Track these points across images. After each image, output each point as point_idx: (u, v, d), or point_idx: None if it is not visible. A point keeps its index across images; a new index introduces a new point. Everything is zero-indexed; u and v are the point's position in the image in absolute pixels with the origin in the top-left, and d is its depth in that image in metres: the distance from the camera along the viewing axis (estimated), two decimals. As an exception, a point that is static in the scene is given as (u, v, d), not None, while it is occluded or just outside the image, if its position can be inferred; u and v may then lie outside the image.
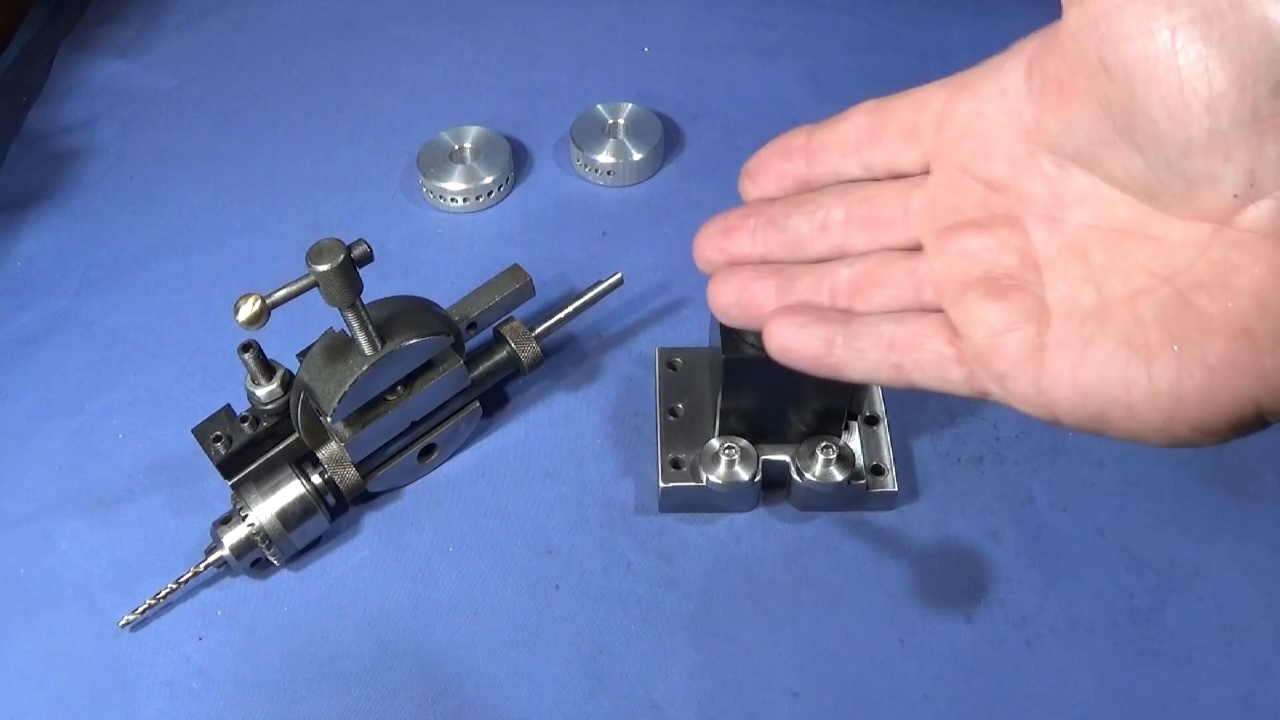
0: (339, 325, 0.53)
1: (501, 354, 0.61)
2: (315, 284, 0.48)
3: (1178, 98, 0.29)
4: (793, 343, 0.37)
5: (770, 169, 0.41)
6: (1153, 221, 0.32)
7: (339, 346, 0.53)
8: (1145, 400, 0.30)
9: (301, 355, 0.57)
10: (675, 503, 0.59)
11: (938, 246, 0.36)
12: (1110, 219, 0.33)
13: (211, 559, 0.55)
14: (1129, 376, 0.30)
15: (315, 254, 0.48)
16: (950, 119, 0.37)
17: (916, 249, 0.37)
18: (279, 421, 0.56)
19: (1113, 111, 0.31)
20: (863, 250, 0.38)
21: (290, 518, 0.55)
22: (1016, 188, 0.35)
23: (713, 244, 0.41)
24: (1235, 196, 0.29)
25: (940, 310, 0.36)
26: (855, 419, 0.59)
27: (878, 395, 0.61)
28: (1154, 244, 0.31)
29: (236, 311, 0.46)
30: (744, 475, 0.56)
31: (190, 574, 0.55)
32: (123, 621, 0.55)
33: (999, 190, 0.36)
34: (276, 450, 0.57)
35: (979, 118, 0.36)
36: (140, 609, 0.55)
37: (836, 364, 0.37)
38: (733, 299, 0.40)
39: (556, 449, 0.63)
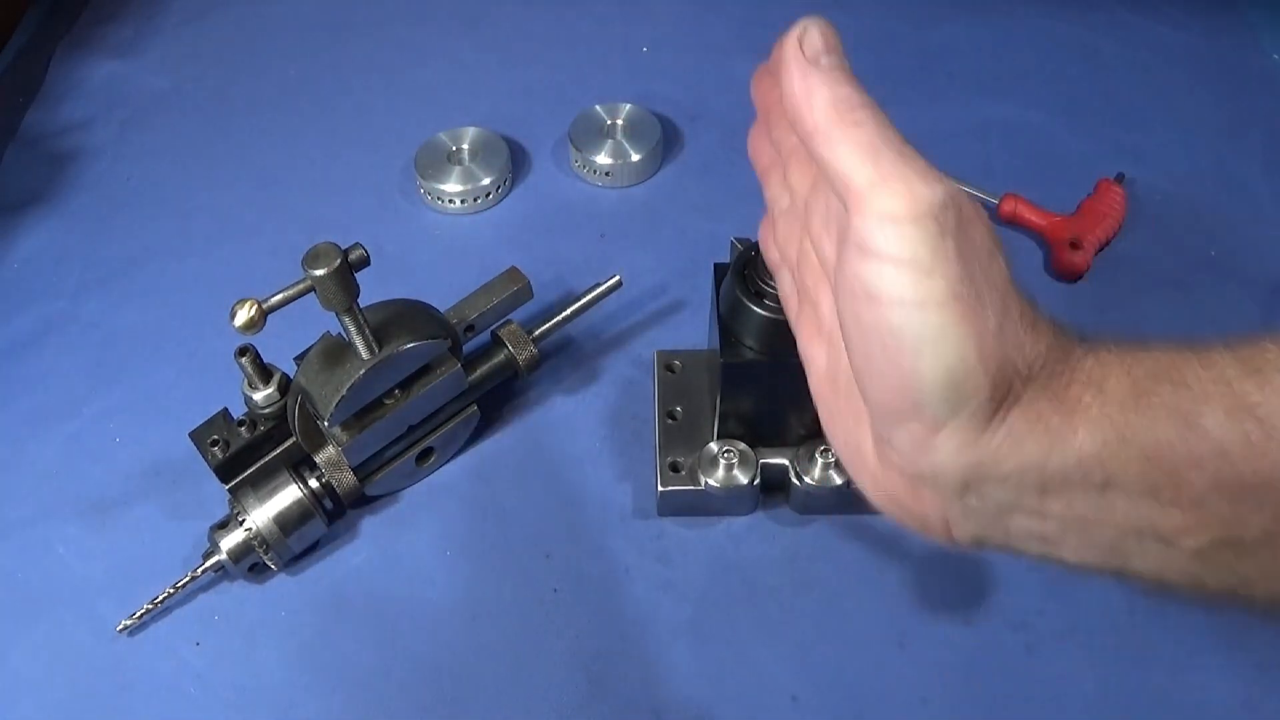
0: (336, 328, 0.53)
1: (499, 357, 0.61)
2: (311, 288, 0.48)
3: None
4: None
5: None
6: None
7: (336, 350, 0.53)
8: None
9: (299, 359, 0.57)
10: (674, 506, 0.59)
11: None
12: None
13: (209, 563, 0.55)
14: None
15: (311, 258, 0.48)
16: None
17: None
18: (276, 425, 0.56)
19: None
20: None
21: (288, 522, 0.55)
22: None
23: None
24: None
25: None
26: (854, 422, 0.59)
27: (877, 398, 0.61)
28: None
29: (233, 316, 0.46)
30: (743, 479, 0.56)
31: (188, 578, 0.55)
32: (120, 626, 0.55)
33: None
34: (274, 454, 0.56)
35: None
36: (138, 613, 0.55)
37: None
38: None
39: (554, 452, 0.62)
